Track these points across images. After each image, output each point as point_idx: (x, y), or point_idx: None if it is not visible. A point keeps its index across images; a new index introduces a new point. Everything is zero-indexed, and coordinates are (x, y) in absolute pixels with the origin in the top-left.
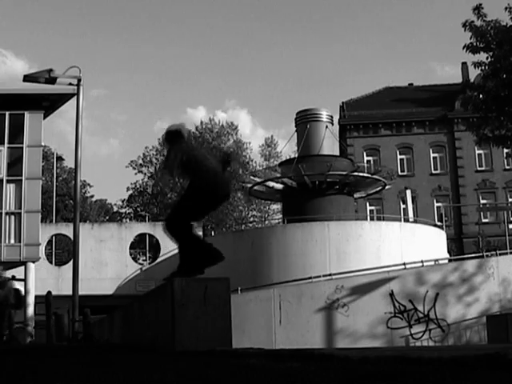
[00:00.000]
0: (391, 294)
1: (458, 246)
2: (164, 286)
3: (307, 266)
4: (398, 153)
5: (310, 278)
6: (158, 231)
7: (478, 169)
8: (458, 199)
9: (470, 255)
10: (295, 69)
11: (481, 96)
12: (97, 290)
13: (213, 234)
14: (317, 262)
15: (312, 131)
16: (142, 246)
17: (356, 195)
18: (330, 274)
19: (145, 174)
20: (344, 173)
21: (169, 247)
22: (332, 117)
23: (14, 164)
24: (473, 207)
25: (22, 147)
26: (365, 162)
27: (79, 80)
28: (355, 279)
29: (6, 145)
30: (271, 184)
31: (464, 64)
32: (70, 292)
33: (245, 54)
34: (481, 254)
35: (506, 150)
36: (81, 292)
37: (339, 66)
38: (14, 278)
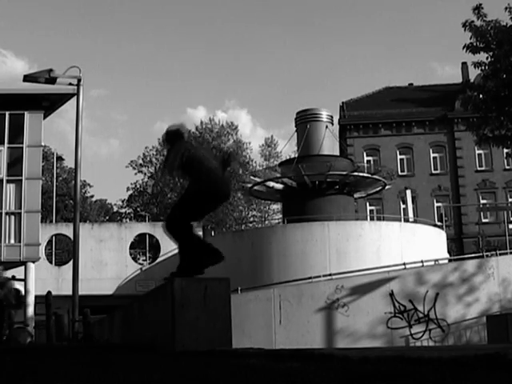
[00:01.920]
0: (391, 294)
1: (457, 246)
2: (164, 286)
3: (307, 266)
4: (398, 153)
5: (309, 278)
6: (157, 231)
7: (478, 169)
8: (458, 199)
9: (470, 255)
10: (295, 69)
11: (481, 96)
12: (97, 290)
13: (213, 233)
14: (317, 262)
15: (312, 131)
16: (142, 246)
17: (356, 195)
18: (330, 274)
19: (145, 174)
20: (344, 173)
21: (169, 247)
22: (332, 117)
23: (14, 164)
24: (473, 207)
25: (22, 147)
26: (365, 162)
27: (79, 80)
28: (355, 279)
29: (6, 145)
30: (271, 184)
31: (464, 64)
32: (70, 292)
33: (245, 53)
34: (481, 254)
35: (506, 150)
36: (81, 292)
37: (339, 66)
38: (14, 277)
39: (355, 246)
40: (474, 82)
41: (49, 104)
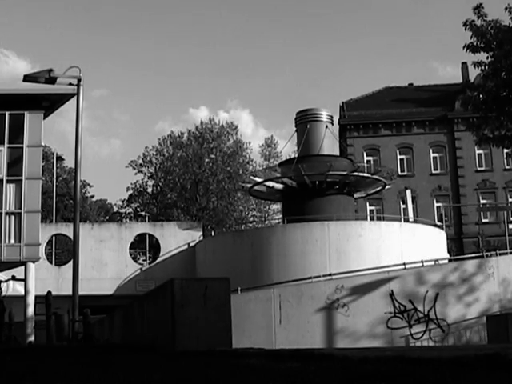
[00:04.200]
0: (391, 294)
1: (457, 246)
2: (164, 286)
3: (307, 266)
4: (398, 153)
5: (309, 278)
6: (157, 231)
7: (478, 169)
8: (457, 199)
9: (470, 255)
10: (297, 68)
11: (481, 96)
12: (97, 290)
13: (213, 233)
14: (317, 262)
15: (312, 131)
16: (142, 246)
17: (356, 195)
18: (330, 274)
19: (145, 174)
20: (344, 173)
21: (168, 247)
22: (332, 117)
23: (14, 164)
24: (473, 207)
25: (22, 147)
26: (365, 162)
27: (79, 80)
28: (355, 279)
29: (6, 145)
30: (271, 184)
31: (464, 64)
32: (70, 292)
33: (246, 53)
34: (481, 254)
35: (506, 150)
36: (81, 292)
37: (340, 66)
38: (14, 277)
39: (355, 246)
40: (474, 82)
41: (49, 104)
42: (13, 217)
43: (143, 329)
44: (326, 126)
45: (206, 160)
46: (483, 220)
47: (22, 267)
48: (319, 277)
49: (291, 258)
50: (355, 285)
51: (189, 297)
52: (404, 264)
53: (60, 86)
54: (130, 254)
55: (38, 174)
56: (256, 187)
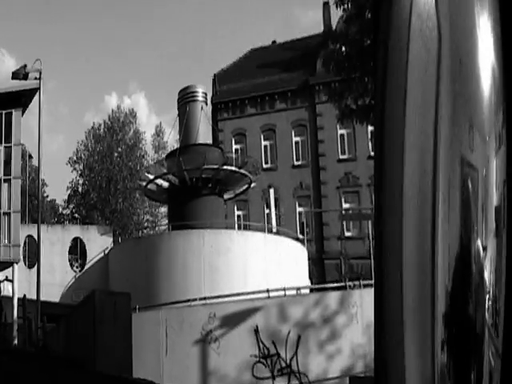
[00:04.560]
0: (256, 331)
1: (319, 270)
2: (87, 300)
3: (188, 284)
4: (262, 138)
5: (188, 300)
6: (85, 235)
7: (341, 157)
8: (319, 202)
9: (331, 285)
10: (182, 38)
11: (343, 49)
12: (51, 297)
13: (120, 240)
14: (194, 278)
15: (190, 115)
16: (76, 251)
17: (226, 196)
18: (204, 298)
19: (77, 171)
20: (215, 167)
21: (94, 252)
22: (206, 94)
23: (6, 164)
24: (335, 214)
25: (11, 146)
26: (233, 150)
27: (40, 73)
28: (225, 306)
29: (4, 144)
30: (160, 182)
31: (326, 5)
32: (35, 296)
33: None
34: (343, 284)
35: (370, 128)
36: (42, 297)
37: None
38: (7, 278)
39: (224, 262)
40: (337, 30)
41: (25, 100)
42: (6, 217)
43: (75, 342)
44: (202, 108)
45: (115, 154)
46: (346, 234)
47: (10, 269)
48: (196, 300)
49: (175, 272)
50: (225, 314)
51: (105, 312)
52: (268, 291)
53: (32, 82)
54: (69, 260)
55: (18, 173)
56: (149, 186)
